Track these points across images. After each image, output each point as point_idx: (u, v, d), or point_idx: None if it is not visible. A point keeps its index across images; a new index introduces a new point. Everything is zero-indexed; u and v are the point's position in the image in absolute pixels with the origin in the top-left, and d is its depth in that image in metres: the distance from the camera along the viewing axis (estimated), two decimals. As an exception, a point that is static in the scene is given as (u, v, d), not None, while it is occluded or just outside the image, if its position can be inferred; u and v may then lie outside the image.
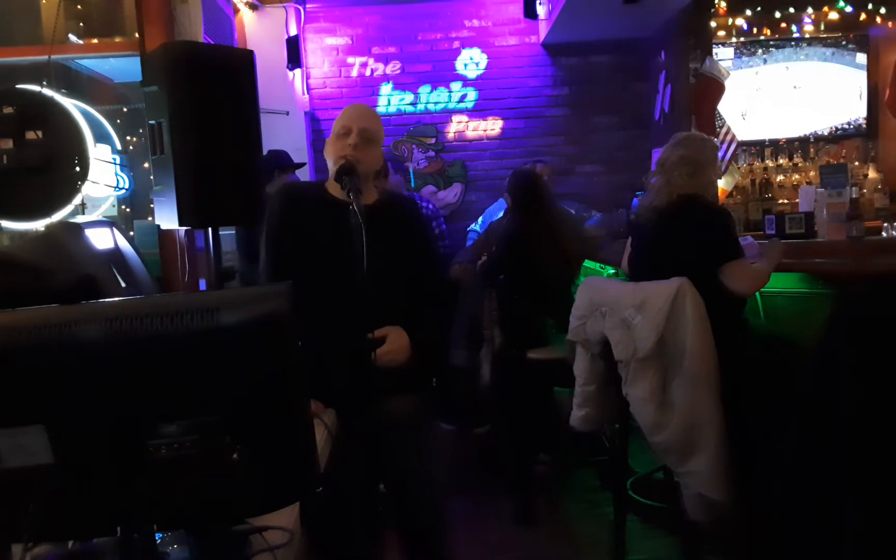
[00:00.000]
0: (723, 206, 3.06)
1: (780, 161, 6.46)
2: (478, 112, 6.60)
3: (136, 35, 3.71)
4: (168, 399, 1.03)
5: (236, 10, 5.68)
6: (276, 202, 2.25)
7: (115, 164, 3.85)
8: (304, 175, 4.73)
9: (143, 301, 1.29)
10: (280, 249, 2.18)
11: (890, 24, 6.29)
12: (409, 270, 2.20)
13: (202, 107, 2.49)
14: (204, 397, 1.03)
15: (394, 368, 2.07)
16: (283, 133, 5.34)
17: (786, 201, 6.17)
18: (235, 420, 1.04)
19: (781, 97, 6.46)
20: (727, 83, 5.66)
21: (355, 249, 1.88)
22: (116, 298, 1.43)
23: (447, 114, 6.60)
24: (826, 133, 6.48)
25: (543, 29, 6.31)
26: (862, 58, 6.42)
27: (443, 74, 6.57)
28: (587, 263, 4.58)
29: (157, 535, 1.21)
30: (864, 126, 6.45)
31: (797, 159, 6.45)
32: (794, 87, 6.44)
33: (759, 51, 6.42)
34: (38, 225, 3.41)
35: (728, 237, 2.91)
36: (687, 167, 2.96)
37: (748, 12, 6.28)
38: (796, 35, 6.40)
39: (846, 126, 6.47)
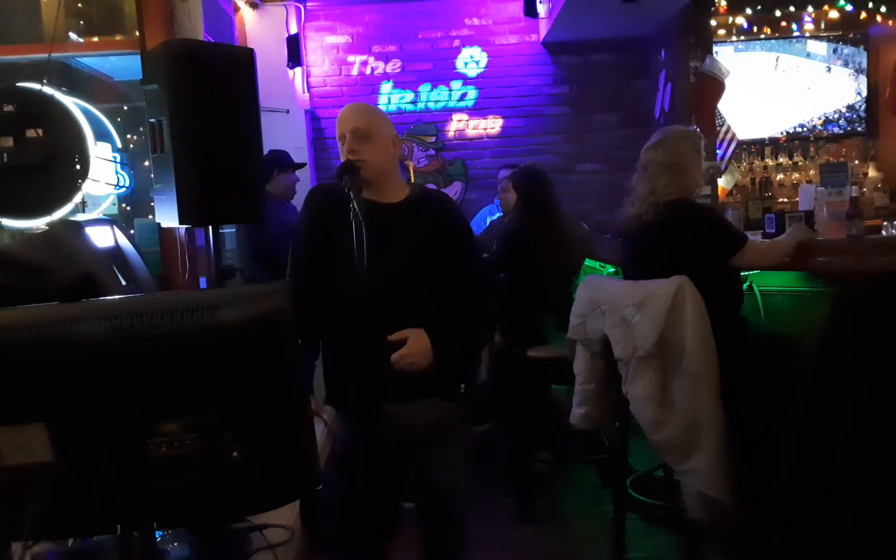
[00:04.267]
0: (708, 205, 3.03)
1: (780, 160, 6.47)
2: (478, 110, 6.60)
3: (137, 33, 3.70)
4: (168, 397, 1.03)
5: (236, 9, 5.68)
6: (304, 206, 2.20)
7: (115, 162, 3.85)
8: (304, 174, 4.72)
9: (143, 299, 1.29)
10: (305, 253, 2.12)
11: (890, 22, 6.29)
12: (441, 269, 2.07)
13: (202, 105, 2.48)
14: (204, 395, 1.03)
15: (414, 372, 1.95)
16: (283, 131, 5.33)
17: (786, 200, 6.18)
18: (235, 418, 1.04)
19: (779, 95, 6.46)
20: (727, 82, 5.66)
21: (358, 249, 1.85)
22: (116, 296, 1.43)
23: (447, 112, 6.60)
24: (826, 131, 6.49)
25: (543, 27, 6.31)
26: (862, 56, 6.42)
27: (443, 73, 6.57)
28: (588, 262, 4.58)
29: (158, 533, 1.21)
30: (864, 125, 6.46)
31: (797, 158, 6.46)
32: (809, 87, 6.45)
33: (759, 48, 6.43)
34: (39, 223, 3.41)
35: (727, 229, 2.92)
36: (671, 174, 2.91)
37: (748, 11, 6.28)
38: (796, 34, 6.40)
39: (846, 124, 6.48)
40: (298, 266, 2.14)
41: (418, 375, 1.96)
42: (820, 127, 6.47)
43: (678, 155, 2.94)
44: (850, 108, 6.47)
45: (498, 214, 5.30)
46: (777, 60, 6.44)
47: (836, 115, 6.47)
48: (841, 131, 6.51)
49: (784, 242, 2.91)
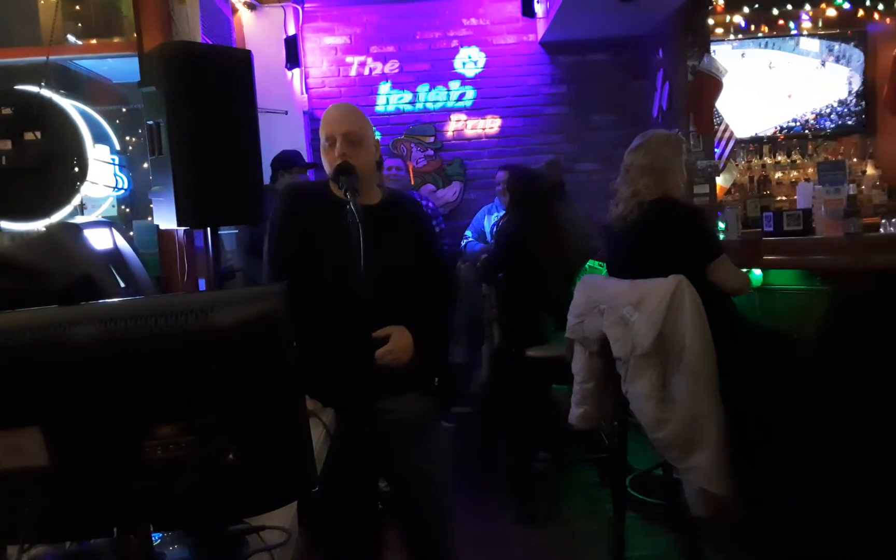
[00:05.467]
0: (696, 205, 3.03)
1: (779, 158, 6.47)
2: (476, 110, 6.60)
3: (135, 35, 3.71)
4: (164, 400, 1.03)
5: (234, 10, 5.68)
6: (279, 204, 2.24)
7: (114, 164, 3.85)
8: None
9: (138, 302, 1.29)
10: (283, 250, 2.17)
11: (888, 20, 6.29)
12: (414, 270, 2.18)
13: (200, 107, 2.49)
14: (199, 398, 1.03)
15: (396, 368, 2.05)
16: (282, 133, 5.34)
17: (784, 198, 6.17)
18: (231, 420, 1.04)
19: (778, 93, 6.46)
20: (725, 80, 5.66)
21: (352, 249, 1.88)
22: (112, 299, 1.43)
23: (446, 112, 6.60)
24: (820, 128, 6.50)
25: (541, 27, 6.31)
26: (860, 54, 6.42)
27: (441, 73, 6.57)
28: (591, 261, 4.58)
29: (155, 536, 1.21)
30: (856, 119, 6.47)
31: (795, 156, 6.46)
32: (789, 96, 6.46)
33: (758, 45, 6.44)
34: (38, 225, 3.42)
35: (706, 236, 2.91)
36: (651, 177, 2.96)
37: (746, 9, 6.28)
38: (794, 32, 6.40)
39: (837, 118, 6.50)
40: (278, 266, 2.17)
41: (401, 370, 2.05)
42: (812, 121, 6.48)
43: (659, 158, 2.98)
44: (842, 102, 6.48)
45: (498, 214, 5.31)
46: (770, 58, 6.44)
47: (829, 110, 6.48)
48: (833, 125, 6.51)
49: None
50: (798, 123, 6.50)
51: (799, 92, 6.47)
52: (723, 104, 5.90)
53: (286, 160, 4.23)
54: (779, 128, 6.51)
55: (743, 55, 6.42)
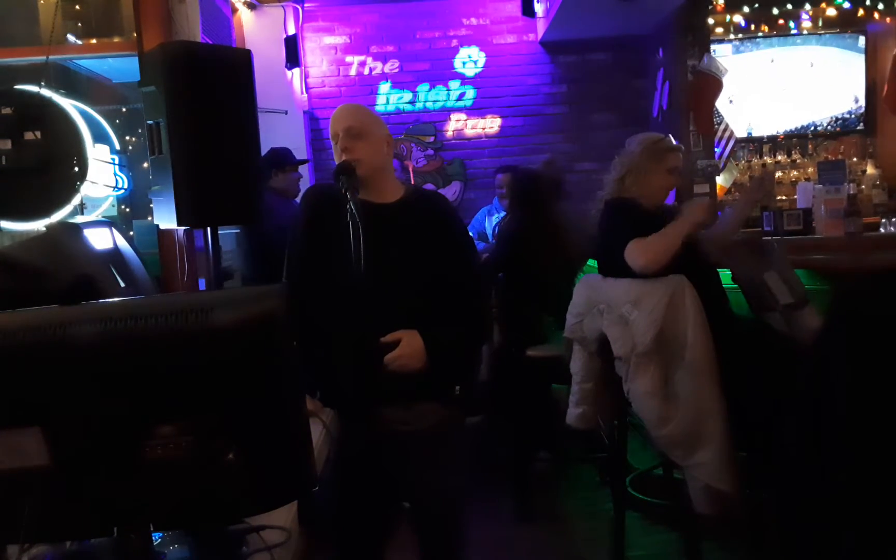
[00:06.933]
0: (624, 198, 2.94)
1: (779, 157, 6.47)
2: (476, 110, 6.60)
3: (134, 35, 3.70)
4: (164, 400, 1.03)
5: (234, 10, 5.68)
6: (300, 208, 2.20)
7: (114, 164, 3.85)
8: (303, 174, 4.72)
9: (139, 302, 1.29)
10: (300, 253, 2.12)
11: (888, 19, 6.28)
12: (440, 271, 2.05)
13: (200, 107, 2.48)
14: (199, 398, 1.03)
15: (407, 374, 1.93)
16: (282, 132, 5.33)
17: (784, 198, 6.18)
18: (231, 420, 1.05)
19: (778, 92, 6.46)
20: (725, 80, 5.66)
21: (355, 250, 1.85)
22: (113, 299, 1.43)
23: (446, 112, 6.60)
24: (824, 128, 6.49)
25: (541, 27, 6.32)
26: (860, 53, 6.42)
27: (441, 73, 6.57)
28: (591, 261, 4.57)
29: (155, 536, 1.21)
30: (863, 122, 6.46)
31: (795, 156, 6.46)
32: (783, 89, 6.45)
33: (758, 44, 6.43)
34: (38, 225, 3.41)
35: (617, 225, 2.86)
36: (615, 172, 3.05)
37: (746, 9, 6.28)
38: (794, 32, 6.40)
39: (846, 118, 6.48)
40: (294, 267, 2.14)
41: (411, 377, 1.94)
42: (825, 126, 6.47)
43: (626, 156, 3.05)
44: (850, 110, 6.47)
45: (499, 214, 5.31)
46: (773, 59, 6.43)
47: (839, 118, 6.46)
48: (840, 131, 6.51)
49: (668, 236, 2.74)
50: (808, 126, 6.49)
51: (799, 91, 6.47)
52: (731, 105, 5.89)
53: (279, 159, 4.18)
54: (785, 131, 6.50)
55: (774, 58, 6.40)
